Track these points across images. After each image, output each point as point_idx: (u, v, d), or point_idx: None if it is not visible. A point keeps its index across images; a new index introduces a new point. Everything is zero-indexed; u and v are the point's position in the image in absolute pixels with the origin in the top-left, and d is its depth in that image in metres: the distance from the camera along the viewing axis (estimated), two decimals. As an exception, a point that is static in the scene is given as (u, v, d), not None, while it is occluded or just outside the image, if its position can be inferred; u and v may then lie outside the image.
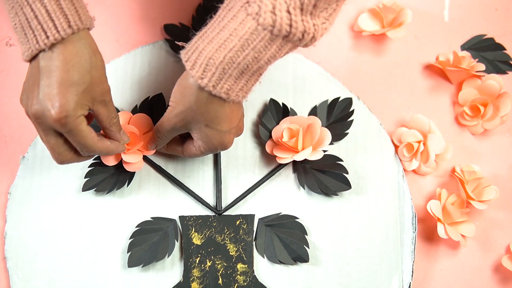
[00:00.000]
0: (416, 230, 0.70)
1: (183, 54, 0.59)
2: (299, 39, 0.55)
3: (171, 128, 0.63)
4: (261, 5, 0.53)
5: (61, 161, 0.60)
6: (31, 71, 0.57)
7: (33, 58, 0.56)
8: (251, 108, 0.74)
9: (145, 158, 0.71)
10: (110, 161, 0.68)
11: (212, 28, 0.57)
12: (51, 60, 0.55)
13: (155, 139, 0.66)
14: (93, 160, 0.70)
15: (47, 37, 0.54)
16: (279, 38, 0.54)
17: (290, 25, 0.53)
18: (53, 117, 0.55)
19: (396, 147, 0.74)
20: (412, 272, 0.69)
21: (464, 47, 0.80)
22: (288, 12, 0.53)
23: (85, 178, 0.69)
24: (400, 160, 0.74)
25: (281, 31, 0.53)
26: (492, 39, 0.80)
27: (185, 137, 0.68)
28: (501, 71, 0.79)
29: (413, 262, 0.69)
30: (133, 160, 0.68)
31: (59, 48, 0.55)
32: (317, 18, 0.55)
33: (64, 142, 0.59)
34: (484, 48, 0.80)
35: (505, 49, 0.80)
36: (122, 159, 0.68)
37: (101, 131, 0.63)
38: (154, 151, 0.69)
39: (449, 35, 0.81)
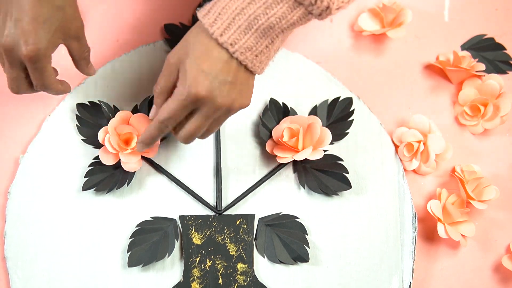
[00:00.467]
0: (416, 230, 0.70)
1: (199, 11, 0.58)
2: (311, 4, 0.54)
3: (167, 70, 0.59)
4: None
5: (17, 91, 0.61)
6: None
7: None
8: (251, 108, 0.74)
9: (145, 158, 0.71)
10: (108, 161, 0.68)
11: None
12: None
13: (154, 100, 0.63)
14: (93, 159, 0.70)
15: None
16: None
17: None
18: (23, 53, 0.55)
19: (396, 147, 0.74)
20: (412, 272, 0.69)
21: (464, 47, 0.80)
22: None
23: (85, 177, 0.69)
24: (400, 160, 0.74)
25: None
26: (492, 39, 0.80)
27: None
28: (501, 71, 0.79)
29: (413, 262, 0.69)
30: (131, 160, 0.68)
31: None
32: None
33: (26, 76, 0.59)
34: (484, 48, 0.80)
35: (505, 49, 0.80)
36: (120, 159, 0.68)
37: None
38: (154, 154, 0.69)
39: (449, 35, 0.81)
